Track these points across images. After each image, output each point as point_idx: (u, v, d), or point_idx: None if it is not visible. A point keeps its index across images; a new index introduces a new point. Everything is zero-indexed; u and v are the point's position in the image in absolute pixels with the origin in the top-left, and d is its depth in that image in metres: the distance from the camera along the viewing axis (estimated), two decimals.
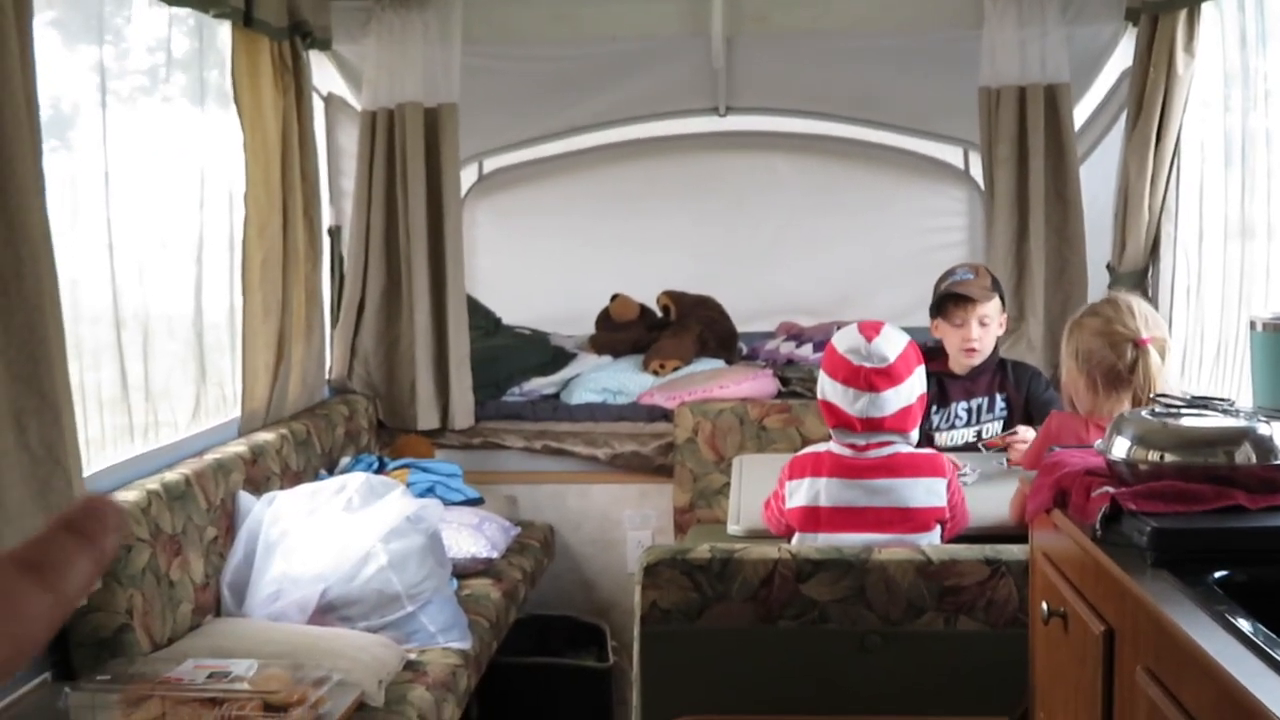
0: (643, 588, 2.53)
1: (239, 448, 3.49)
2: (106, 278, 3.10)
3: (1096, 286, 4.24)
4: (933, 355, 3.69)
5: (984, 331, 3.56)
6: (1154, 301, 4.03)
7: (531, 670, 4.00)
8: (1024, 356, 3.99)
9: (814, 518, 2.79)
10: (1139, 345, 2.72)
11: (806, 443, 3.86)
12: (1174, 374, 3.59)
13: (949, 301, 3.56)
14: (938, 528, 2.79)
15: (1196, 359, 3.76)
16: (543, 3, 4.40)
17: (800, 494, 2.81)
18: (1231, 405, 1.96)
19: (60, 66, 3.00)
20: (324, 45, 4.21)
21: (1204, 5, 3.60)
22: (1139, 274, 4.06)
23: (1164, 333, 2.80)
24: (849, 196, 5.38)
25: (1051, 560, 2.07)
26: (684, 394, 4.46)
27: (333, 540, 3.18)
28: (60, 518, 0.44)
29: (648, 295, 5.12)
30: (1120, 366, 2.73)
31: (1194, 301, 3.82)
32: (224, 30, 3.58)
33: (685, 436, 4.32)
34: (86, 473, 2.67)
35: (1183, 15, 3.67)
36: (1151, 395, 2.43)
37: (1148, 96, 3.83)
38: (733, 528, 3.13)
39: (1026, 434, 3.33)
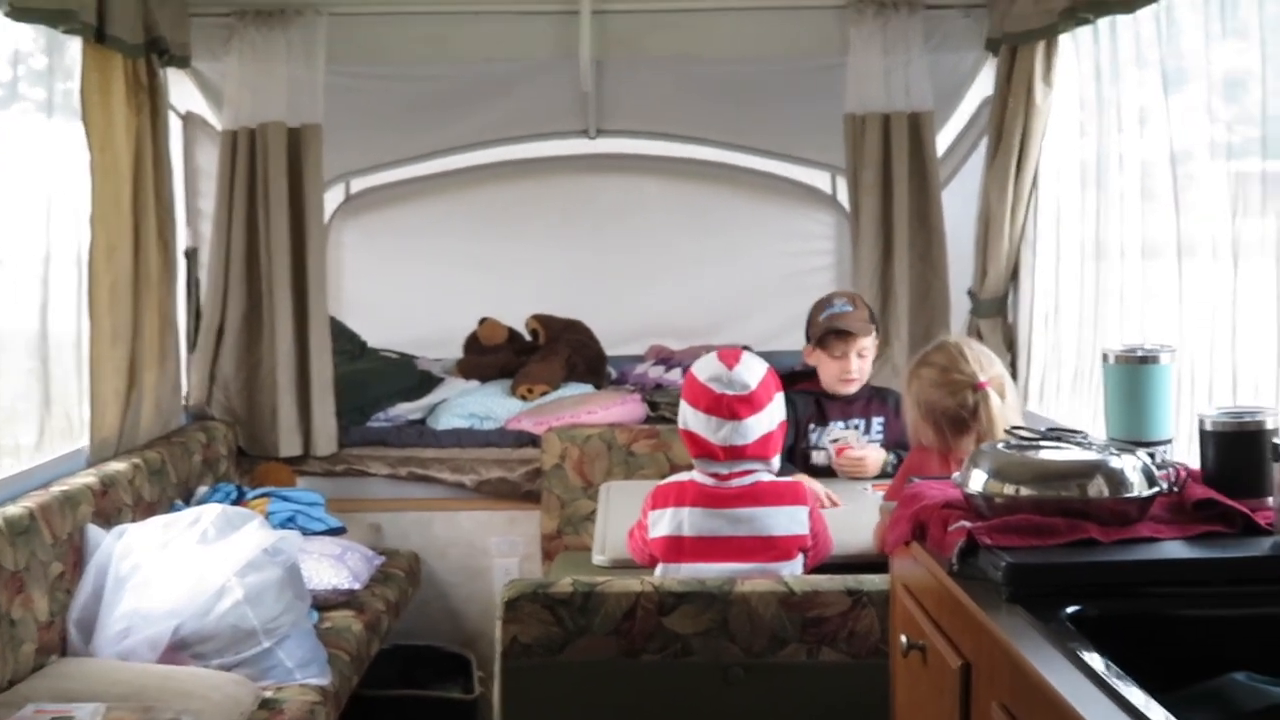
0: (504, 622, 2.49)
1: (88, 478, 3.35)
2: None
3: (959, 312, 4.31)
4: (805, 376, 3.74)
5: (862, 363, 3.67)
6: (1013, 328, 4.11)
7: (395, 703, 3.91)
8: (888, 381, 4.02)
9: (678, 547, 2.78)
10: (977, 389, 2.76)
11: (675, 468, 3.85)
12: (1024, 403, 3.66)
13: (830, 335, 3.60)
14: (800, 556, 2.80)
15: (1054, 385, 3.83)
16: (411, 23, 4.33)
17: (664, 524, 2.79)
18: (1085, 438, 1.99)
19: None
20: (182, 63, 4.09)
21: (1061, 37, 3.68)
22: (999, 300, 4.13)
23: (999, 370, 2.84)
24: (718, 220, 5.40)
25: (911, 592, 2.07)
26: (552, 419, 4.42)
27: (186, 574, 3.08)
28: None
29: (516, 318, 5.08)
30: (963, 413, 2.76)
31: (1052, 328, 3.88)
32: (75, 45, 3.45)
33: (553, 462, 4.27)
34: None
35: (1041, 46, 3.74)
36: (1001, 432, 2.44)
37: (1008, 125, 3.90)
38: (598, 558, 3.11)
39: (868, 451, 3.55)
